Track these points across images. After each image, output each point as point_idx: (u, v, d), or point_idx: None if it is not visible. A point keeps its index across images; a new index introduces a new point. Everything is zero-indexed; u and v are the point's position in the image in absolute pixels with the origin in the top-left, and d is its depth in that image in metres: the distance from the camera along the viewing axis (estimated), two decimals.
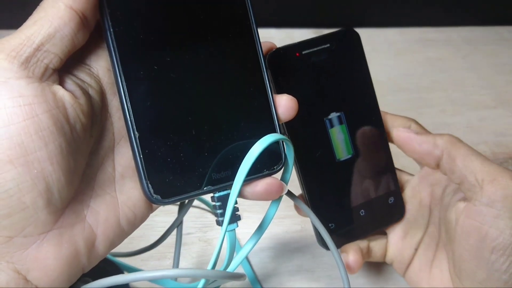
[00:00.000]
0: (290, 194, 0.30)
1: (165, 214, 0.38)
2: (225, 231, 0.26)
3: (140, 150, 0.24)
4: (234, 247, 0.28)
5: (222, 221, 0.26)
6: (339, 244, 0.36)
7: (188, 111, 0.25)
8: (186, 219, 0.42)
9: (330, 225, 0.35)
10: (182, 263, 0.42)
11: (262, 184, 0.26)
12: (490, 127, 0.59)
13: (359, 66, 0.36)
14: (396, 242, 0.37)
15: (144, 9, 0.25)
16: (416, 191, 0.37)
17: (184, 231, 0.43)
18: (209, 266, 0.26)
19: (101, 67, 0.25)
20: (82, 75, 0.24)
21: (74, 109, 0.23)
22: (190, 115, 0.25)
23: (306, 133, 0.34)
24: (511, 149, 0.56)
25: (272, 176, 0.27)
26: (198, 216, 0.46)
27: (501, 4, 0.76)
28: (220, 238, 0.26)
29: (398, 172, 0.37)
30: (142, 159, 0.24)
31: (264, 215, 0.29)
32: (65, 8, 0.22)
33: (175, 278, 0.36)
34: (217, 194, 0.26)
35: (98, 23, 0.24)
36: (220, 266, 0.28)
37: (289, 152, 0.28)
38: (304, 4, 0.75)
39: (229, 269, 0.28)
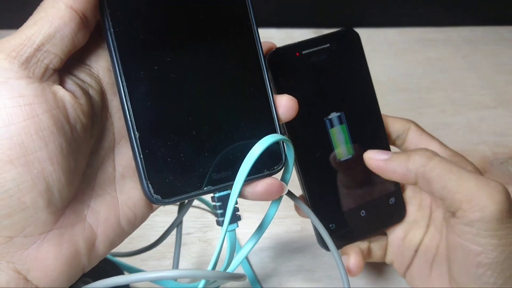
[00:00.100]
0: (290, 194, 0.30)
1: (165, 214, 0.38)
2: (225, 231, 0.26)
3: (140, 150, 0.24)
4: (234, 247, 0.28)
5: (222, 221, 0.26)
6: (339, 245, 0.36)
7: (188, 111, 0.25)
8: (186, 219, 0.43)
9: (330, 225, 0.35)
10: (182, 263, 0.42)
11: (262, 184, 0.26)
12: (490, 127, 0.59)
13: (359, 66, 0.36)
14: (396, 242, 0.37)
15: (144, 9, 0.25)
16: (416, 191, 0.37)
17: (184, 231, 0.43)
18: (210, 267, 0.26)
19: (101, 67, 0.25)
20: (83, 75, 0.24)
21: (74, 109, 0.23)
22: (190, 115, 0.25)
23: (306, 133, 0.34)
24: (511, 149, 0.56)
25: (273, 176, 0.27)
26: (198, 216, 0.46)
27: (501, 4, 0.76)
28: (221, 238, 0.26)
29: None
30: (142, 159, 0.24)
31: (264, 215, 0.29)
32: (66, 8, 0.22)
33: (175, 279, 0.36)
34: (217, 194, 0.26)
35: (98, 23, 0.24)
36: (220, 266, 0.28)
37: (289, 152, 0.28)
38: (304, 4, 0.75)
39: (229, 269, 0.28)
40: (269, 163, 0.27)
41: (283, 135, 0.27)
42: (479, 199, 0.28)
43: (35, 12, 0.22)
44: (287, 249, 0.44)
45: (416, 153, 0.32)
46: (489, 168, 0.53)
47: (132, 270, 0.37)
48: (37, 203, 0.21)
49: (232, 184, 0.26)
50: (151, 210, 0.27)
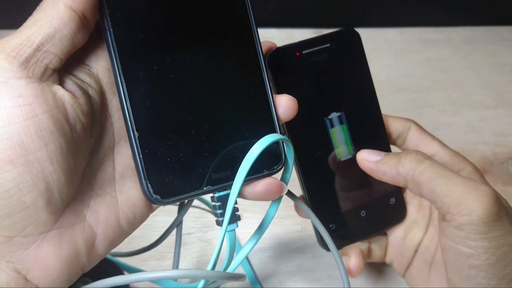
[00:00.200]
0: (290, 194, 0.30)
1: (165, 214, 0.38)
2: (225, 231, 0.26)
3: (139, 150, 0.24)
4: (234, 247, 0.28)
5: (222, 221, 0.26)
6: (339, 245, 0.36)
7: (188, 111, 0.25)
8: (186, 219, 0.42)
9: (330, 226, 0.35)
10: (182, 263, 0.42)
11: (262, 184, 0.26)
12: (490, 127, 0.59)
13: (359, 66, 0.36)
14: (396, 242, 0.37)
15: (144, 9, 0.25)
16: None
17: (184, 231, 0.43)
18: (209, 267, 0.26)
19: (101, 67, 0.25)
20: (82, 75, 0.24)
21: (74, 109, 0.23)
22: (190, 115, 0.25)
23: (306, 133, 0.34)
24: (511, 149, 0.56)
25: (272, 176, 0.27)
26: (198, 216, 0.46)
27: (501, 4, 0.76)
28: (220, 238, 0.26)
29: None
30: (141, 159, 0.24)
31: (264, 215, 0.29)
32: (65, 8, 0.22)
33: (175, 279, 0.36)
34: (217, 194, 0.26)
35: (98, 23, 0.24)
36: (220, 266, 0.28)
37: (289, 152, 0.28)
38: (304, 4, 0.75)
39: (229, 269, 0.28)
40: (268, 163, 0.27)
41: (283, 135, 0.27)
42: (466, 203, 0.28)
43: (34, 12, 0.22)
44: (287, 249, 0.44)
45: (406, 156, 0.32)
46: (489, 168, 0.53)
47: (132, 270, 0.37)
48: (37, 203, 0.21)
49: (232, 184, 0.26)
50: (150, 210, 0.27)
